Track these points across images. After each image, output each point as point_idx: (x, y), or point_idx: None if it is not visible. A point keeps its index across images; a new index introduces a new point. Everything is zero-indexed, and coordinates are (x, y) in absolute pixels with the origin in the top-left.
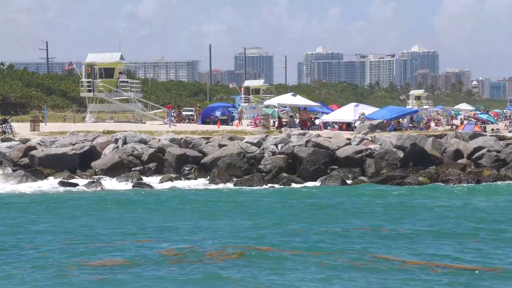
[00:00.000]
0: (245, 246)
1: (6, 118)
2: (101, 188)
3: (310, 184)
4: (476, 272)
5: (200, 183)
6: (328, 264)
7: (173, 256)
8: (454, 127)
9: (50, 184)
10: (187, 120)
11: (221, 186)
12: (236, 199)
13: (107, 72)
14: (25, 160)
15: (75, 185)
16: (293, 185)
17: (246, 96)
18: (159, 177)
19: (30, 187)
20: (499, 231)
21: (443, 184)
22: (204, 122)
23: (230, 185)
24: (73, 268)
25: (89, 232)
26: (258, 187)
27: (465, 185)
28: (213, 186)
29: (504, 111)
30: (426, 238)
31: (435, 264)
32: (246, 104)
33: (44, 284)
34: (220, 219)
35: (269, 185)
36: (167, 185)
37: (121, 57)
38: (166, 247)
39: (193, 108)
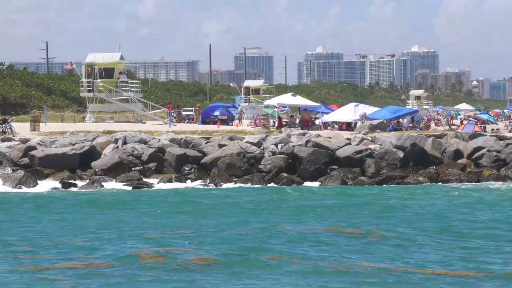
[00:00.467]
0: (224, 250)
1: (6, 118)
2: (100, 188)
3: (309, 184)
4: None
5: (199, 183)
6: (307, 270)
7: (150, 260)
8: (455, 127)
9: (50, 184)
10: (187, 120)
11: (219, 186)
12: (229, 199)
13: (107, 72)
14: (25, 160)
15: (74, 185)
16: (284, 185)
17: (246, 96)
18: (159, 177)
19: (28, 187)
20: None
21: (441, 184)
22: (204, 122)
23: (227, 185)
24: (41, 270)
25: (69, 233)
26: (253, 187)
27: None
28: (211, 186)
29: (504, 111)
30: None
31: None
32: (246, 104)
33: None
34: (206, 220)
35: (268, 185)
36: (164, 185)
37: (121, 57)
38: (144, 249)
39: (193, 108)
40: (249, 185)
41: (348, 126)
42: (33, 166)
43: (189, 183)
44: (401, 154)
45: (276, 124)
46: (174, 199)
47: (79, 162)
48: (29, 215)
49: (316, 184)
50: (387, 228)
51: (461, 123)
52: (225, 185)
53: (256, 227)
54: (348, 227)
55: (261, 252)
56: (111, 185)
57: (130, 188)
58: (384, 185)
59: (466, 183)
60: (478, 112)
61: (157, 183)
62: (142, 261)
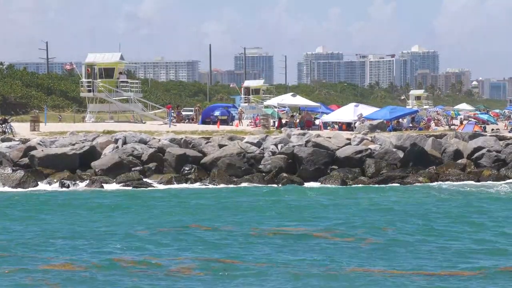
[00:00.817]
0: (210, 255)
1: (6, 118)
2: (99, 188)
3: (307, 184)
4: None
5: (198, 183)
6: (292, 276)
7: (133, 265)
8: (454, 127)
9: (48, 184)
10: (187, 120)
11: (217, 186)
12: (223, 200)
13: (107, 72)
14: (25, 160)
15: (73, 185)
16: (284, 185)
17: (246, 96)
18: (159, 177)
19: (28, 187)
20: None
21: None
22: (204, 122)
23: (225, 185)
24: (22, 271)
25: (56, 234)
26: (248, 188)
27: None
28: (209, 187)
29: (505, 111)
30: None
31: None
32: (246, 104)
33: None
34: (197, 221)
35: (268, 185)
36: (164, 186)
37: (121, 57)
38: (128, 254)
39: (193, 108)
40: (247, 185)
41: (348, 126)
42: (33, 166)
43: (186, 184)
44: (401, 154)
45: (276, 124)
46: (169, 200)
47: (79, 162)
48: (21, 215)
49: (316, 184)
50: (379, 231)
51: (461, 123)
52: (223, 185)
53: (245, 229)
54: (338, 230)
55: (247, 258)
56: (111, 185)
57: (128, 188)
58: (381, 185)
59: (465, 183)
60: (478, 112)
61: (157, 183)
62: (125, 266)
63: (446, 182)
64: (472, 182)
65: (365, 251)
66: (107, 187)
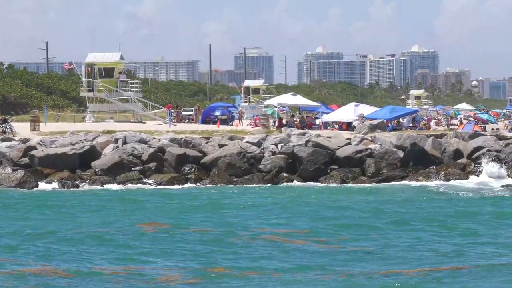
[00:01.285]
0: (195, 264)
1: (6, 118)
2: (101, 187)
3: (303, 184)
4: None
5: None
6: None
7: (116, 274)
8: (454, 127)
9: (48, 184)
10: (187, 120)
11: (211, 186)
12: (214, 201)
13: (107, 72)
14: (25, 160)
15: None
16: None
17: (246, 96)
18: (159, 177)
19: (29, 187)
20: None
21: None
22: (204, 122)
23: (217, 186)
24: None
25: (35, 237)
26: (239, 188)
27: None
28: (201, 186)
29: (505, 111)
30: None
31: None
32: (246, 104)
33: None
34: (184, 224)
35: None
36: (160, 185)
37: (121, 57)
38: (111, 260)
39: (193, 108)
40: (246, 185)
41: (348, 126)
42: (33, 166)
43: (186, 184)
44: (401, 154)
45: (276, 124)
46: (167, 200)
47: (79, 162)
48: (15, 215)
49: (316, 184)
50: (368, 234)
51: (461, 123)
52: (222, 185)
53: (234, 233)
54: (330, 232)
55: (235, 265)
56: (111, 185)
57: (128, 188)
58: (381, 184)
59: (465, 183)
60: (478, 112)
61: (157, 183)
62: (109, 273)
63: (446, 182)
64: (472, 182)
65: (355, 254)
66: (107, 187)
